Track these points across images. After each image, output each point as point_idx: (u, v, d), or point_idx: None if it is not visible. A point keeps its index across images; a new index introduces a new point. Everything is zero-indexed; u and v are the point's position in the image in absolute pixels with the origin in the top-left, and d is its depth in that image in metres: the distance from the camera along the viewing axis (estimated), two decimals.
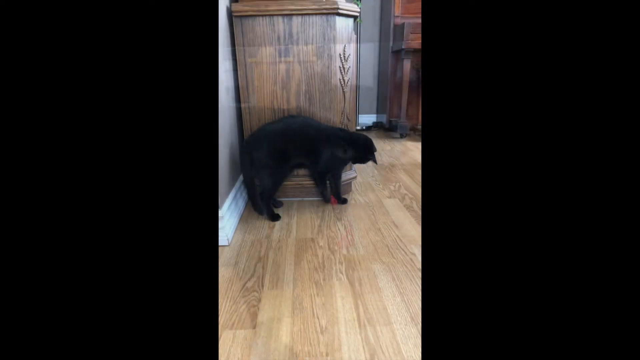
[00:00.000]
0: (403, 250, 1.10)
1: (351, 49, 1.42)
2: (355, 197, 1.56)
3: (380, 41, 3.02)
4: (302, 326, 0.79)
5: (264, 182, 1.30)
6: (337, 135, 1.32)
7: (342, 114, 1.45)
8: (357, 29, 2.82)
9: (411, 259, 1.05)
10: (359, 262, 1.04)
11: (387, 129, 2.99)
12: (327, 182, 1.45)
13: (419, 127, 2.87)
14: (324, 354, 0.71)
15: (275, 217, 1.32)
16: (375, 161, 1.36)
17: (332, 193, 1.48)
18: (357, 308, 0.84)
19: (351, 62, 1.43)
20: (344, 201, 1.48)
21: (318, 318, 0.81)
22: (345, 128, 1.43)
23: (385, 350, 0.72)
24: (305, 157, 1.32)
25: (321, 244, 1.15)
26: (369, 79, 3.15)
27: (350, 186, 1.62)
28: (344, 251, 1.10)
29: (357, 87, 3.07)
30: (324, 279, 0.96)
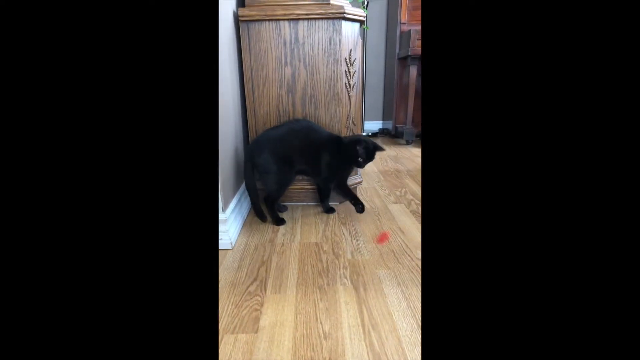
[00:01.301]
0: (409, 255, 1.08)
1: (357, 54, 1.42)
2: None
3: (386, 48, 3.03)
4: (305, 331, 0.77)
5: (268, 187, 1.29)
6: (336, 140, 1.30)
7: (347, 118, 1.45)
8: (363, 34, 2.83)
9: (417, 265, 1.03)
10: (364, 267, 1.02)
11: (393, 135, 2.98)
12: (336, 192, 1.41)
13: None
14: None
15: (280, 222, 1.30)
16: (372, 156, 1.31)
17: (350, 200, 1.39)
18: (361, 313, 0.82)
19: (357, 67, 1.43)
20: (362, 209, 1.36)
21: (321, 323, 0.79)
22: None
23: (390, 357, 0.69)
24: (307, 162, 1.30)
25: (325, 248, 1.13)
26: (376, 86, 3.15)
27: (356, 191, 1.60)
28: (349, 256, 1.08)
29: (363, 92, 3.07)
30: (327, 284, 0.94)
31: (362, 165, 1.31)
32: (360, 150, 1.26)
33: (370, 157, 1.29)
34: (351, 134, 1.49)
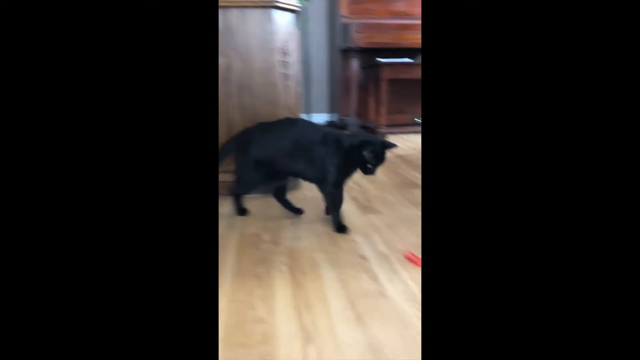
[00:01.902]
0: (346, 238, 1.12)
1: (293, 44, 1.42)
2: (304, 192, 1.56)
3: (329, 40, 3.07)
4: (238, 319, 0.77)
5: (240, 184, 1.26)
6: (335, 141, 1.13)
7: (286, 109, 1.45)
8: (300, 25, 2.84)
9: (353, 247, 1.06)
10: (302, 253, 1.03)
11: (339, 127, 3.04)
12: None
13: (369, 124, 2.94)
14: (259, 343, 0.69)
15: (243, 212, 1.30)
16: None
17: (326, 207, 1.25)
18: (296, 297, 0.84)
19: (294, 57, 1.44)
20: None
21: (255, 309, 0.79)
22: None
23: (321, 333, 0.72)
24: (302, 168, 1.19)
25: (265, 237, 1.13)
26: (321, 78, 3.18)
27: (299, 181, 1.62)
28: (288, 243, 1.09)
29: (308, 84, 3.09)
30: (265, 272, 0.94)
31: (372, 172, 1.10)
32: (368, 156, 1.07)
33: (380, 160, 1.09)
34: None
